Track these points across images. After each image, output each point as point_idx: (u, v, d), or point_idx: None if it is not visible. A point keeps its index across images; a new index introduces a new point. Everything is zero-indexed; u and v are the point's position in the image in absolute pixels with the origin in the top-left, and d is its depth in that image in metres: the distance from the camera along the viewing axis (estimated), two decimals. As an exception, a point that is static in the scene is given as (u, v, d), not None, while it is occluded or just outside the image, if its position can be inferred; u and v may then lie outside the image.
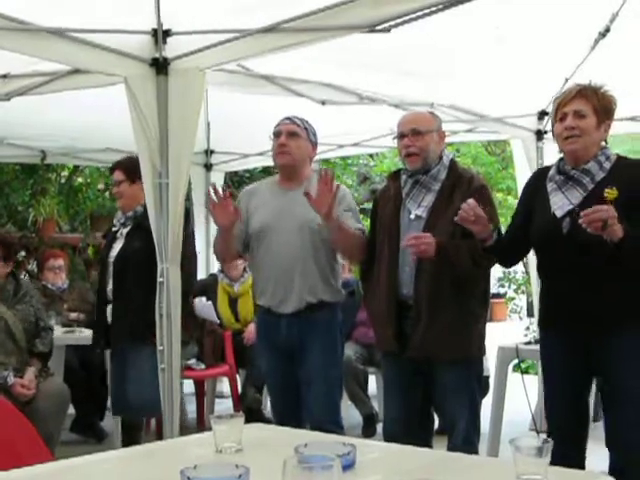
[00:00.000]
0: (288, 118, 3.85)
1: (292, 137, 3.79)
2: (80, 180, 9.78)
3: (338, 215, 3.58)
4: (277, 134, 3.83)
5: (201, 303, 6.08)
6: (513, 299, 12.63)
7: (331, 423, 3.66)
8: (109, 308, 4.36)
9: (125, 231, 4.39)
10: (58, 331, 5.37)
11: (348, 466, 1.70)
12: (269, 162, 7.65)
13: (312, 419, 3.78)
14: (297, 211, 3.72)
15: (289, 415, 3.80)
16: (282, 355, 3.82)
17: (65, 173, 9.71)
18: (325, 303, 3.79)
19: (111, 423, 5.30)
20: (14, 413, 2.41)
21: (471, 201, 3.20)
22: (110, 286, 4.35)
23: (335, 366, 3.86)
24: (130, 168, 4.23)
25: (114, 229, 4.48)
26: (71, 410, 5.24)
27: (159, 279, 3.89)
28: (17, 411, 2.54)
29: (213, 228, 7.44)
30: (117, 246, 4.38)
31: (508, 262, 3.61)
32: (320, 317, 3.78)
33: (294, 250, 3.74)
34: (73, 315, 6.08)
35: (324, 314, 3.79)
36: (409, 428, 3.55)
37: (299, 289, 3.74)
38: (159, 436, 5.00)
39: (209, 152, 7.57)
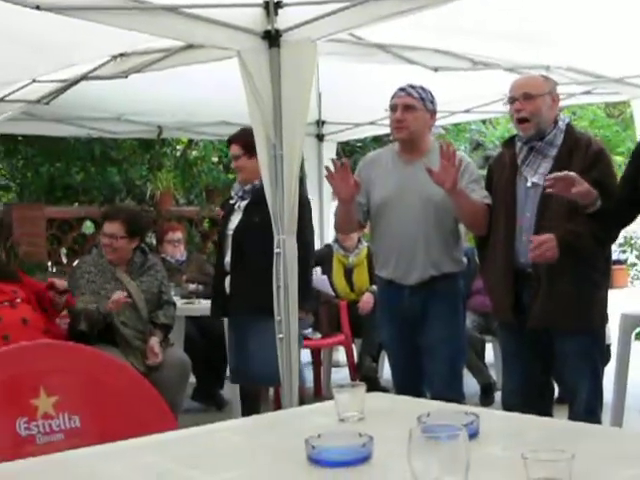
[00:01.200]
0: (403, 89, 3.80)
1: (408, 110, 3.74)
2: (195, 154, 9.96)
3: (462, 188, 3.54)
4: (393, 108, 3.79)
5: (316, 275, 6.12)
6: (635, 265, 12.24)
7: (453, 392, 3.65)
8: (227, 279, 4.44)
9: (244, 204, 4.43)
10: (178, 303, 5.50)
11: (472, 435, 1.69)
12: (380, 131, 7.64)
13: (434, 388, 3.77)
14: (419, 185, 3.69)
15: (409, 385, 3.80)
16: (404, 324, 3.81)
17: (180, 147, 9.90)
18: (448, 274, 3.77)
19: (231, 391, 5.41)
20: (141, 380, 2.48)
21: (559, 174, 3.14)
22: (228, 258, 4.42)
23: (458, 335, 3.85)
24: (247, 142, 4.25)
25: (232, 202, 4.54)
26: (192, 379, 5.38)
27: (276, 250, 3.94)
28: (144, 378, 2.61)
29: (326, 199, 7.57)
30: (235, 219, 4.44)
31: (621, 224, 3.51)
32: (443, 287, 3.77)
33: (417, 225, 3.72)
34: (192, 287, 6.21)
35: (447, 284, 3.78)
36: (529, 399, 3.50)
37: (422, 264, 3.74)
38: (277, 405, 5.08)
39: (321, 123, 7.57)
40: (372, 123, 7.36)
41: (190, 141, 9.70)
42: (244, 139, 4.36)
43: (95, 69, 4.95)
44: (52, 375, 2.24)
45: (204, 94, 6.02)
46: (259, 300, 4.14)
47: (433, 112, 3.84)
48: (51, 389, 2.18)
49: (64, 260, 8.48)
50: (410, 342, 3.82)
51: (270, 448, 1.83)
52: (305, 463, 1.62)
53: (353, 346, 6.37)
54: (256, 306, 4.20)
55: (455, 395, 3.53)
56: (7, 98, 5.47)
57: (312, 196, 6.92)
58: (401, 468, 1.39)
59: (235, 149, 4.46)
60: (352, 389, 2.05)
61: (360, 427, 1.82)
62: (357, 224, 4.00)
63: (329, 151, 7.70)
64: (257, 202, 4.27)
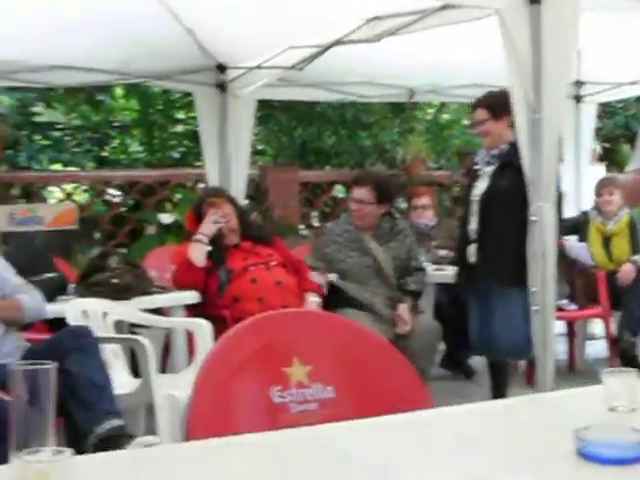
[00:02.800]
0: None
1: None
2: (446, 117, 9.83)
3: None
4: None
5: (573, 243, 5.84)
6: None
7: None
8: (471, 247, 4.31)
9: (489, 169, 4.28)
10: (427, 269, 5.43)
11: None
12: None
13: None
14: None
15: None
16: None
17: (431, 110, 9.81)
18: None
19: (480, 360, 5.30)
20: (393, 351, 2.41)
21: None
22: (472, 225, 4.29)
23: None
24: (494, 105, 4.10)
25: (476, 167, 4.40)
26: (441, 346, 5.32)
27: (532, 217, 3.76)
28: (395, 348, 2.54)
29: (583, 164, 7.21)
30: (481, 185, 4.30)
31: None
32: None
33: None
34: (441, 252, 6.12)
35: None
36: None
37: None
38: (529, 379, 4.91)
39: (579, 83, 7.18)
40: (634, 83, 6.88)
41: (442, 104, 9.57)
42: (490, 102, 4.22)
43: (349, 33, 4.95)
44: (305, 344, 2.23)
45: (455, 56, 5.87)
46: (508, 270, 3.99)
47: None
48: (305, 358, 2.17)
49: (315, 223, 8.67)
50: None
51: (531, 434, 1.70)
52: (573, 456, 1.48)
53: (611, 319, 6.03)
54: (505, 276, 4.05)
55: None
56: (264, 65, 5.61)
57: (568, 160, 6.64)
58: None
59: (481, 113, 4.30)
60: (623, 375, 1.87)
61: (633, 418, 1.65)
62: None
63: (587, 113, 7.31)
64: (505, 167, 4.11)
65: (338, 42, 5.02)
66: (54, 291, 4.13)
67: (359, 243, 4.72)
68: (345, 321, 2.53)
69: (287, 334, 2.24)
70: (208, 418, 1.98)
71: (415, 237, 6.02)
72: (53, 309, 3.78)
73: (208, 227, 4.50)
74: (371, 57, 5.81)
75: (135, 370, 3.91)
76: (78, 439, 2.97)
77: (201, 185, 7.77)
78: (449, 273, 5.45)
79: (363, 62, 6.14)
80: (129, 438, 2.98)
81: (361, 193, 4.73)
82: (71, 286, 4.33)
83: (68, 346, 3.14)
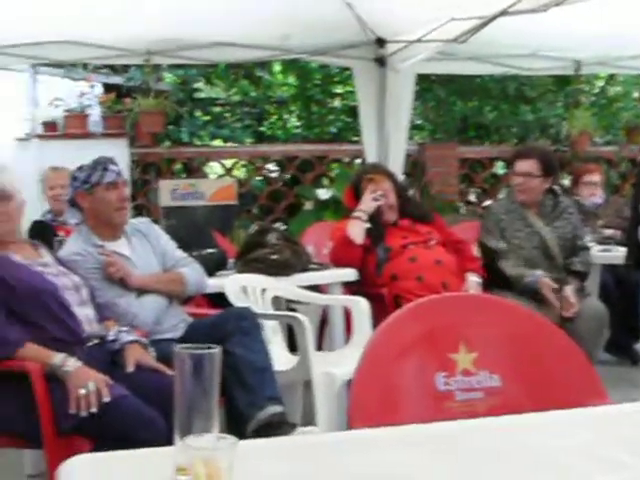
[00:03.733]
0: None
1: None
2: (615, 90, 9.39)
3: None
4: None
5: None
6: None
7: None
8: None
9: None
10: (593, 249, 5.19)
11: None
12: None
13: None
14: None
15: None
16: None
17: (600, 83, 9.39)
18: None
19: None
20: (563, 337, 2.28)
21: None
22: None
23: None
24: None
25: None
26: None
27: None
28: (565, 334, 2.40)
29: None
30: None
31: None
32: None
33: None
34: (608, 232, 5.84)
35: None
36: None
37: None
38: None
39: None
40: None
41: (610, 76, 9.14)
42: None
43: (514, 3, 4.76)
44: (472, 329, 2.13)
45: (625, 25, 5.56)
46: None
47: None
48: (471, 344, 2.07)
49: (474, 200, 8.48)
50: None
51: None
52: None
53: None
54: None
55: None
56: (424, 38, 5.49)
57: None
58: None
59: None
60: None
61: None
62: None
63: None
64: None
65: (503, 13, 4.83)
66: (214, 266, 4.18)
67: (525, 221, 4.56)
68: (513, 305, 2.41)
69: (452, 319, 2.15)
70: (370, 405, 1.93)
71: (582, 215, 5.78)
72: (213, 284, 3.83)
73: (367, 204, 4.44)
74: (535, 28, 5.58)
75: (292, 347, 3.91)
76: (238, 423, 2.98)
77: (358, 161, 7.74)
78: (617, 254, 5.19)
79: (526, 34, 5.91)
80: (290, 427, 2.96)
81: (526, 166, 4.55)
82: (230, 261, 4.37)
83: (231, 328, 3.15)
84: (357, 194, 4.57)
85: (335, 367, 3.50)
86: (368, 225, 4.41)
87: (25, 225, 4.19)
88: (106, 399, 2.64)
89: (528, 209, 4.59)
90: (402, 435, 1.61)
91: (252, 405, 3.00)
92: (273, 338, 3.89)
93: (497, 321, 2.21)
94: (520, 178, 4.58)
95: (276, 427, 2.94)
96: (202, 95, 9.71)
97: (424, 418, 1.89)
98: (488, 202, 7.67)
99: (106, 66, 7.48)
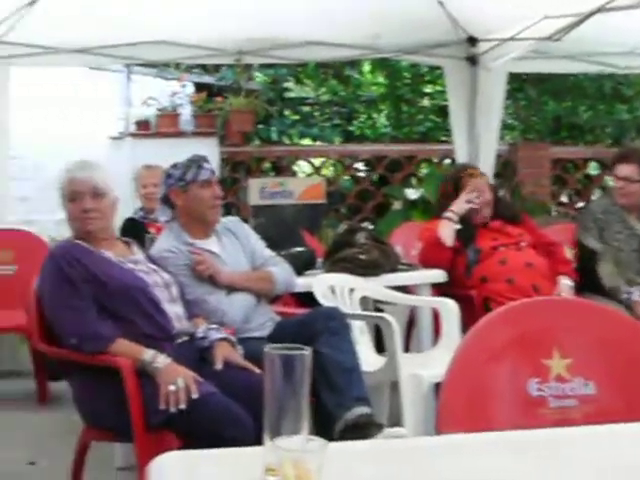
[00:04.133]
0: None
1: None
2: None
3: None
4: None
5: None
6: None
7: None
8: None
9: None
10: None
11: None
12: None
13: None
14: None
15: None
16: None
17: None
18: None
19: None
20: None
21: None
22: None
23: None
24: None
25: None
26: None
27: None
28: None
29: None
30: None
31: None
32: None
33: None
34: None
35: None
36: None
37: None
38: None
39: None
40: None
41: None
42: None
43: (611, 0, 4.63)
44: (565, 334, 2.07)
45: None
46: None
47: None
48: (565, 350, 2.02)
49: (566, 201, 8.31)
50: None
51: None
52: None
53: None
54: None
55: None
56: (517, 36, 5.39)
57: None
58: None
59: None
60: None
61: None
62: None
63: None
64: None
65: (600, 9, 4.70)
66: (303, 265, 4.18)
67: (624, 224, 4.45)
68: (607, 309, 2.33)
69: (545, 323, 2.09)
70: (459, 410, 1.89)
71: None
72: (301, 283, 3.83)
73: (460, 205, 4.38)
74: (633, 25, 5.42)
75: (379, 348, 3.89)
76: (326, 423, 2.97)
77: (447, 161, 7.66)
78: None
79: (624, 31, 5.74)
80: (377, 428, 2.93)
81: (627, 170, 4.44)
82: (319, 260, 4.37)
83: (319, 327, 3.14)
84: (455, 190, 4.50)
85: (423, 369, 3.47)
86: (458, 226, 4.36)
87: (117, 223, 4.27)
88: (194, 396, 2.66)
89: (629, 212, 4.48)
90: (496, 441, 1.58)
91: (339, 406, 2.98)
92: (360, 338, 3.87)
93: (591, 326, 2.14)
94: (621, 182, 4.48)
95: (363, 428, 2.92)
96: (292, 94, 9.76)
97: (515, 424, 1.85)
98: (581, 204, 7.50)
99: (198, 66, 7.58)
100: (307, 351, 1.38)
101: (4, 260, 5.33)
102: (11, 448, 4.01)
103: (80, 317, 2.88)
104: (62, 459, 3.19)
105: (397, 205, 7.42)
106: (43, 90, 6.40)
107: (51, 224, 5.12)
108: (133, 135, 6.93)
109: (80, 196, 3.03)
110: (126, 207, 4.97)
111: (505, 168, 7.55)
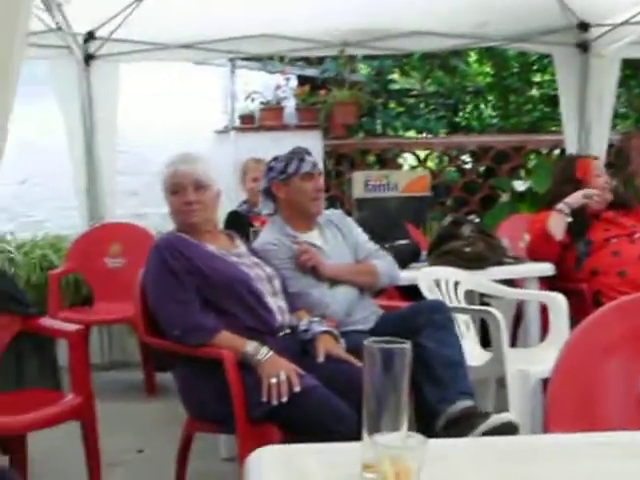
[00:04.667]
0: None
1: None
2: None
3: None
4: None
5: None
6: None
7: None
8: None
9: None
10: None
11: None
12: None
13: None
14: None
15: None
16: None
17: None
18: None
19: None
20: None
21: None
22: None
23: None
24: None
25: None
26: None
27: None
28: None
29: None
30: None
31: None
32: None
33: None
34: None
35: None
36: None
37: None
38: None
39: None
40: None
41: None
42: None
43: None
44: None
45: None
46: None
47: None
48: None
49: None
50: None
51: None
52: None
53: None
54: None
55: None
56: (631, 20, 5.20)
57: None
58: None
59: None
60: None
61: None
62: None
63: None
64: None
65: None
66: (407, 258, 4.13)
67: None
68: None
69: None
70: (568, 408, 1.82)
71: None
72: (406, 276, 3.78)
73: (576, 199, 4.25)
74: None
75: (484, 342, 3.81)
76: (428, 418, 2.91)
77: (557, 151, 7.46)
78: None
79: None
80: (483, 417, 2.85)
81: None
82: (423, 253, 4.31)
83: (423, 321, 3.09)
84: (570, 179, 4.39)
85: (530, 365, 3.37)
86: (570, 219, 4.23)
87: (221, 216, 4.31)
88: (296, 389, 2.64)
89: None
90: (606, 442, 1.50)
91: (443, 400, 2.92)
92: (466, 333, 3.80)
93: None
94: None
95: (468, 419, 2.84)
96: (396, 86, 9.67)
97: (627, 425, 1.76)
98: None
99: (301, 58, 7.59)
100: (407, 345, 1.34)
101: (114, 253, 5.46)
102: (120, 436, 4.09)
103: (184, 309, 2.90)
104: (169, 448, 3.23)
105: (504, 197, 7.27)
106: (150, 85, 6.52)
107: (159, 218, 5.20)
108: (237, 129, 6.98)
109: (183, 189, 3.06)
110: (229, 201, 5.01)
111: (618, 158, 7.29)
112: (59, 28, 5.10)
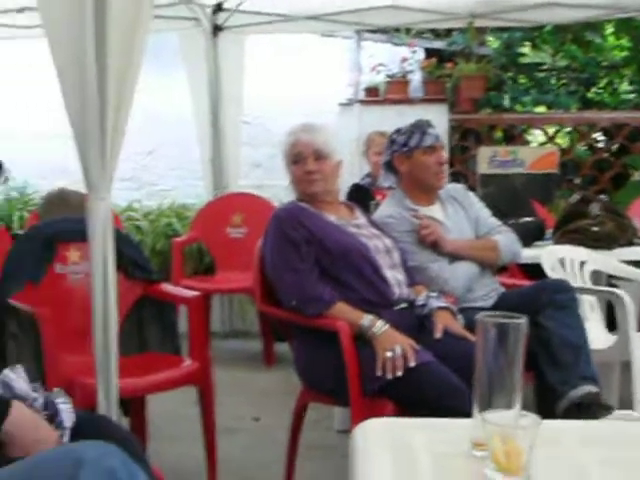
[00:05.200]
0: None
1: None
2: None
3: None
4: None
5: None
6: None
7: None
8: None
9: None
10: None
11: None
12: None
13: None
14: None
15: None
16: None
17: None
18: None
19: None
20: None
21: None
22: None
23: None
24: None
25: None
26: None
27: None
28: None
29: None
30: None
31: None
32: None
33: None
34: None
35: None
36: None
37: None
38: None
39: None
40: None
41: None
42: None
43: None
44: None
45: None
46: None
47: None
48: None
49: None
50: None
51: None
52: None
53: None
54: None
55: None
56: None
57: None
58: None
59: None
60: None
61: None
62: None
63: None
64: None
65: None
66: (531, 236, 4.02)
67: None
68: None
69: None
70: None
71: None
72: (529, 254, 3.67)
73: None
74: None
75: (610, 325, 3.67)
76: (549, 400, 2.82)
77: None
78: None
79: None
80: (606, 409, 2.74)
81: None
82: (548, 232, 4.18)
83: (545, 300, 2.98)
84: None
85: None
86: None
87: (344, 188, 4.28)
88: (412, 364, 2.60)
89: None
90: None
91: (564, 383, 2.82)
92: (590, 315, 3.67)
93: None
94: None
95: (589, 408, 2.74)
96: (526, 60, 9.40)
97: None
98: None
99: (428, 31, 7.46)
100: (522, 320, 1.28)
101: (235, 223, 5.53)
102: (238, 404, 4.16)
103: (301, 279, 2.89)
104: (284, 417, 3.25)
105: (637, 176, 6.99)
106: (275, 57, 6.55)
107: (281, 190, 5.23)
108: (362, 102, 6.94)
109: (303, 158, 3.05)
110: (352, 174, 4.98)
111: None
112: (188, 0, 5.17)
